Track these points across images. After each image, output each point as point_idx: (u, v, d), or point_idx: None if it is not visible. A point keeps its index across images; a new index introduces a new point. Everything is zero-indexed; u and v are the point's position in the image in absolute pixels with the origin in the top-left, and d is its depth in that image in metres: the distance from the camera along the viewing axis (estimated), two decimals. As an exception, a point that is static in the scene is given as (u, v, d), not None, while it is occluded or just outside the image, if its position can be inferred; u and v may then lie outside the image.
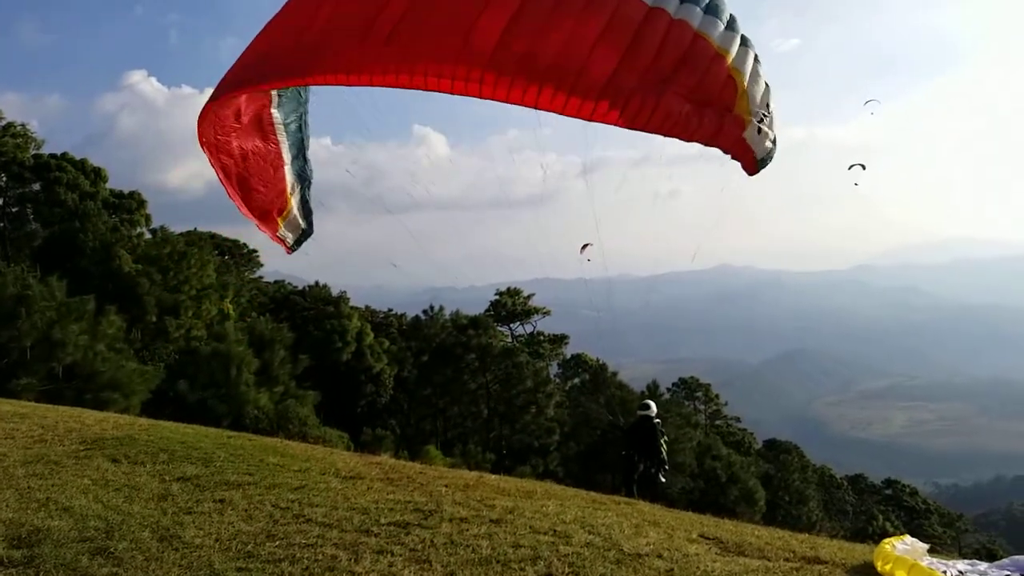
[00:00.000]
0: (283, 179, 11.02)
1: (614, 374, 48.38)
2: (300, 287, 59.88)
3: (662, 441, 15.63)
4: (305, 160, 11.37)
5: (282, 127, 10.74)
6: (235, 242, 60.76)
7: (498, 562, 6.26)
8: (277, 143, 10.73)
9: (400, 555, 6.28)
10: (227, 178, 10.11)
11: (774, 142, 9.01)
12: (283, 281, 66.63)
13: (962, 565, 7.22)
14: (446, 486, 9.55)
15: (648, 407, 16.16)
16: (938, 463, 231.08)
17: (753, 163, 9.00)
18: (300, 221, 11.44)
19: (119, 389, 26.15)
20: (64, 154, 44.50)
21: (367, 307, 65.23)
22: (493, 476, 11.73)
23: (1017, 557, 7.37)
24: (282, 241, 11.25)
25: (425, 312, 55.24)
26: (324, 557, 6.09)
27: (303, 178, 11.39)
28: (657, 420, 15.93)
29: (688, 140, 8.54)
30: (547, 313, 64.67)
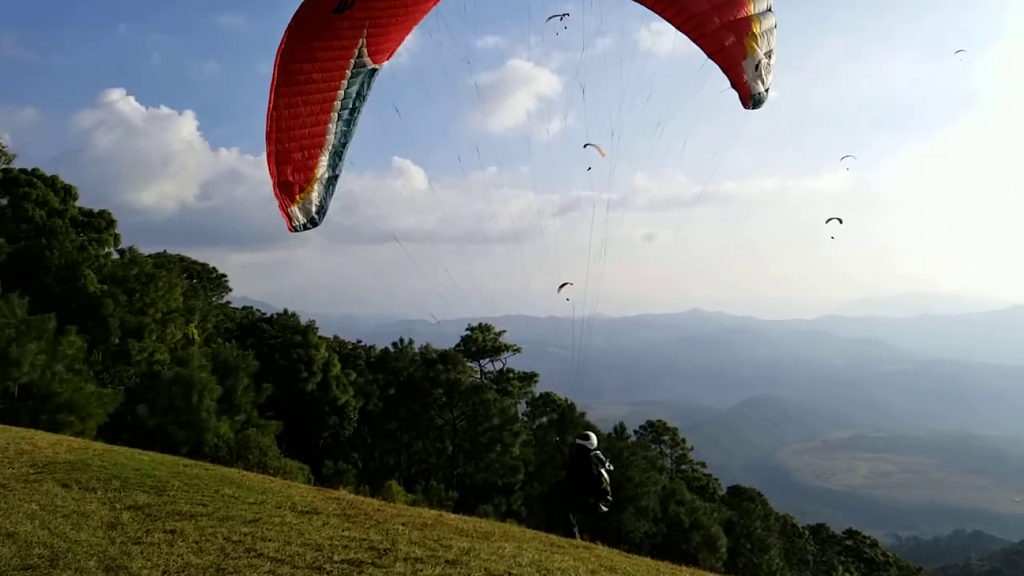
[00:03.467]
0: (316, 161, 11.02)
1: (582, 414, 48.26)
2: (268, 314, 59.30)
3: (603, 471, 14.59)
4: (341, 157, 11.40)
5: (336, 115, 10.85)
6: (204, 266, 60.23)
7: (450, 604, 6.22)
8: (326, 126, 10.80)
9: (351, 594, 6.22)
10: (274, 123, 10.20)
11: (767, 90, 9.98)
12: (251, 308, 66.01)
13: None
14: (404, 524, 9.45)
15: (588, 437, 15.14)
16: (899, 515, 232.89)
17: (748, 96, 10.05)
18: (313, 210, 11.37)
19: (76, 411, 25.51)
20: (35, 170, 43.99)
21: (335, 337, 64.66)
22: (453, 515, 11.60)
23: None
24: (289, 218, 11.09)
25: (394, 345, 55.05)
26: (273, 593, 6.01)
27: (333, 171, 11.42)
28: (596, 451, 14.91)
29: (695, 40, 9.67)
30: (518, 350, 64.69)
